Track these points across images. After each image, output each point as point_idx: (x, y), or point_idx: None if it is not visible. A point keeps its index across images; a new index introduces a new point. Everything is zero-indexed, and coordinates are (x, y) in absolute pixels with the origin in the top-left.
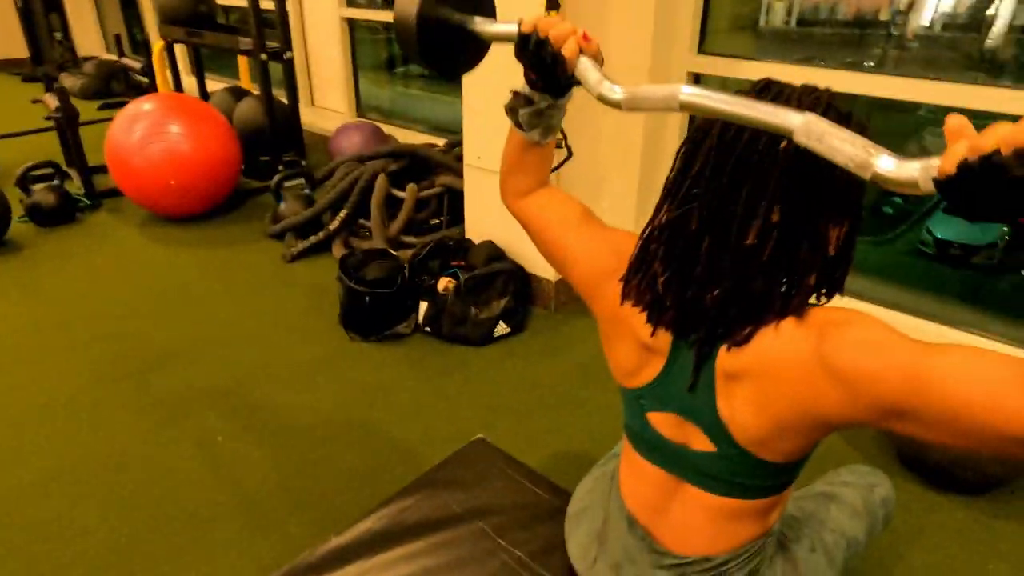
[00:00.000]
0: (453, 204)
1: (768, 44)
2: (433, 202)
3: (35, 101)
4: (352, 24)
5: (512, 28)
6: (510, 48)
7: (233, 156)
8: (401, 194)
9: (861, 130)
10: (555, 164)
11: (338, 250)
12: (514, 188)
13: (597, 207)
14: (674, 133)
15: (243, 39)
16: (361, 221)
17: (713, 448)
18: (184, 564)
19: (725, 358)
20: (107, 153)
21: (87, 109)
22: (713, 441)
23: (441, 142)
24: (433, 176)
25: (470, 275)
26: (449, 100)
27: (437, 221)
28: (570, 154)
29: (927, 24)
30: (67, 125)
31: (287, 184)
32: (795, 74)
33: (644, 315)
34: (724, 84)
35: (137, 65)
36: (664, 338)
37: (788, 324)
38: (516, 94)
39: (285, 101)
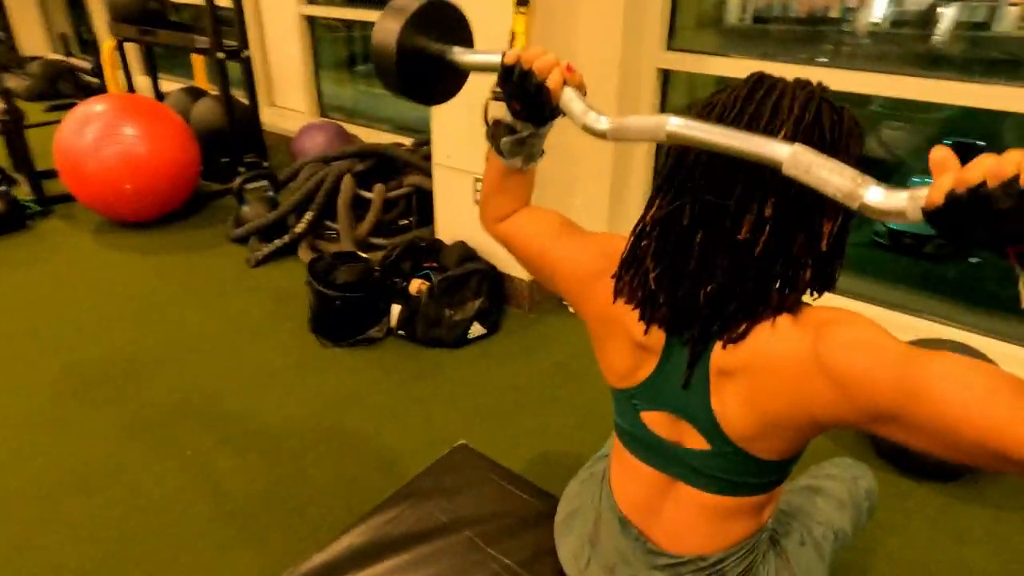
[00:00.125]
0: (422, 204)
1: (725, 40)
2: (401, 202)
3: None
4: (312, 21)
5: (494, 59)
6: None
7: (192, 158)
8: (368, 195)
9: (854, 126)
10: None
11: (304, 253)
12: (495, 213)
13: (570, 203)
14: None
15: (199, 37)
16: (328, 223)
17: (707, 446)
18: None
19: (720, 355)
20: (57, 157)
21: (33, 111)
22: (707, 439)
23: (408, 141)
24: (401, 176)
25: (443, 276)
26: None
27: (406, 222)
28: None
29: (877, 20)
30: (12, 128)
31: (249, 186)
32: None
33: (637, 313)
34: (691, 80)
35: (86, 65)
36: (657, 336)
37: (784, 321)
38: (497, 123)
39: (244, 101)
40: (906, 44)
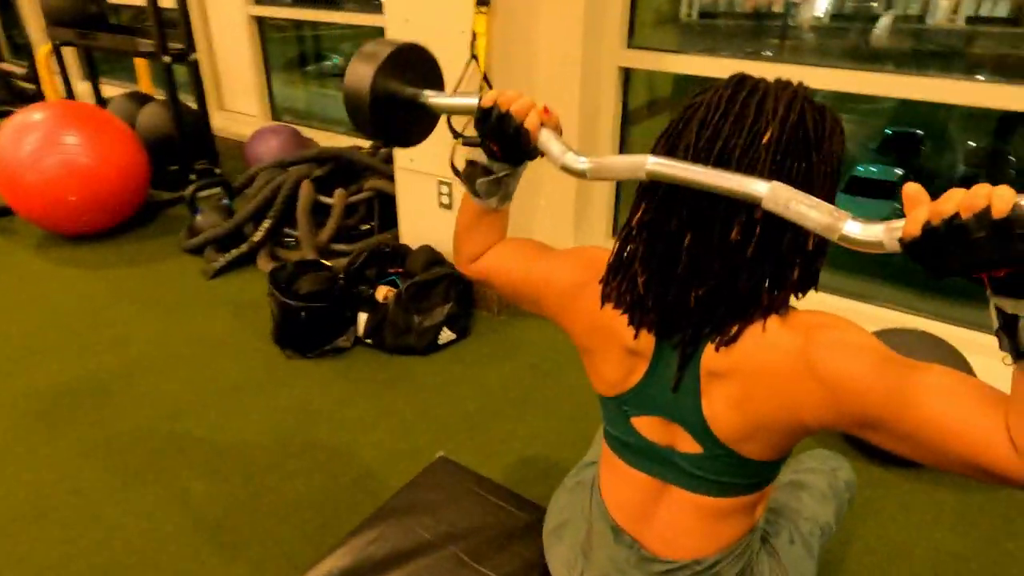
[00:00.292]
0: (384, 208)
1: (674, 37)
2: (362, 207)
3: None
4: (262, 22)
5: (469, 102)
6: (425, 45)
7: (139, 167)
8: (329, 200)
9: (835, 124)
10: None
11: (264, 263)
12: (470, 253)
13: (534, 206)
14: (608, 128)
15: (142, 40)
16: (287, 230)
17: (699, 449)
18: None
19: (710, 357)
20: None
21: None
22: (699, 442)
23: (366, 144)
24: (361, 180)
25: (411, 282)
26: None
27: (368, 227)
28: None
29: (819, 15)
30: None
31: (202, 194)
32: (729, 67)
33: (626, 318)
34: (651, 77)
35: (20, 71)
36: (647, 340)
37: (773, 324)
38: (473, 164)
39: (192, 106)
40: (846, 38)
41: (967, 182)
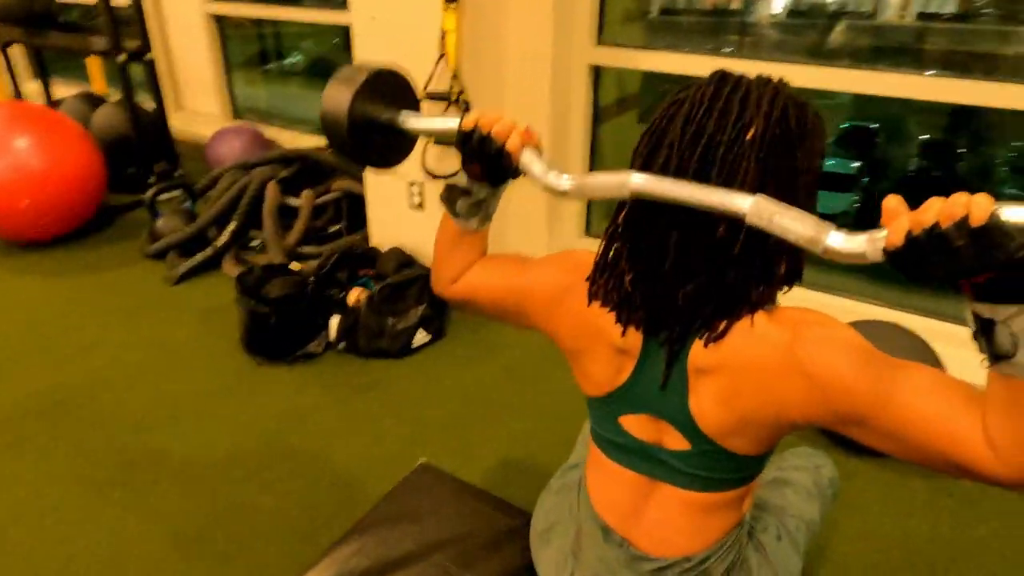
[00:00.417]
0: (353, 209)
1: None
2: (330, 208)
3: None
4: (221, 20)
5: (449, 125)
6: (393, 43)
7: (95, 169)
8: (295, 202)
9: (816, 119)
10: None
11: (230, 267)
12: (450, 275)
13: (504, 207)
14: (578, 126)
15: (95, 39)
16: (252, 233)
17: (688, 445)
18: None
19: (698, 354)
20: None
21: None
22: (687, 438)
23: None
24: (328, 181)
25: (383, 284)
26: None
27: (336, 228)
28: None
29: (776, 12)
30: None
31: (163, 197)
32: (699, 64)
33: (613, 316)
34: (620, 75)
35: None
36: (635, 338)
37: (761, 320)
38: (453, 186)
39: (149, 106)
40: (802, 33)
41: (921, 174)
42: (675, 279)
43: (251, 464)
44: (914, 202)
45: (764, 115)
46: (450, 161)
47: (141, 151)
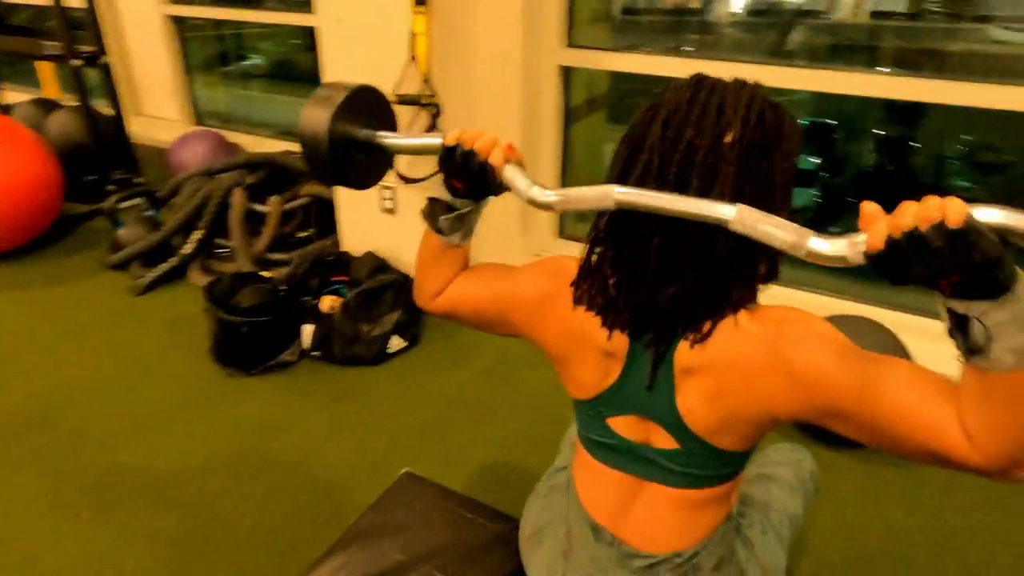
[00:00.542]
0: (321, 214)
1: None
2: (299, 214)
3: None
4: (180, 22)
5: (431, 142)
6: (362, 46)
7: (51, 178)
8: (263, 208)
9: (791, 121)
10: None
11: (196, 276)
12: (432, 289)
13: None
14: (550, 127)
15: (47, 43)
16: (219, 241)
17: (676, 444)
18: None
19: (684, 354)
20: None
21: None
22: (675, 437)
23: (297, 147)
24: (296, 186)
25: (358, 290)
26: (294, 100)
27: (306, 234)
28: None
29: (736, 11)
30: None
31: (124, 205)
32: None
33: (599, 320)
34: (589, 75)
35: None
36: (621, 341)
37: (744, 319)
38: (435, 201)
39: (106, 111)
40: (760, 32)
41: (878, 169)
42: (659, 282)
43: (227, 478)
44: (872, 197)
45: (741, 119)
46: (422, 166)
47: (98, 158)
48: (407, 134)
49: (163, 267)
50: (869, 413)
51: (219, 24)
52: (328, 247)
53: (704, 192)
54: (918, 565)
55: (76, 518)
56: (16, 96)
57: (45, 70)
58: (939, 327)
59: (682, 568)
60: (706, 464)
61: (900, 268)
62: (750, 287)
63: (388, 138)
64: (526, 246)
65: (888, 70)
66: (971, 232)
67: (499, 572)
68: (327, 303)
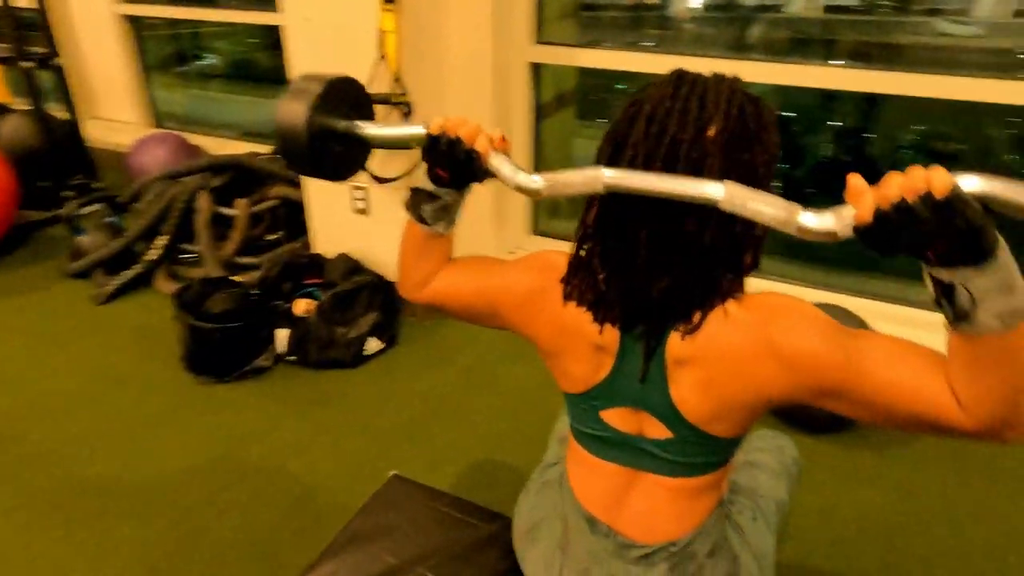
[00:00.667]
0: (290, 216)
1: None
2: (267, 216)
3: None
4: (136, 22)
5: (413, 131)
6: (330, 45)
7: (4, 185)
8: (230, 212)
9: (770, 114)
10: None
11: (163, 283)
12: (417, 280)
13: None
14: (521, 124)
15: None
16: (184, 247)
17: (670, 434)
18: None
19: (676, 345)
20: None
21: None
22: (669, 427)
23: (262, 148)
24: (263, 188)
25: (333, 292)
26: (254, 100)
27: (275, 237)
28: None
29: (694, 7)
30: None
31: (85, 211)
32: (639, 61)
33: (590, 314)
34: (558, 72)
35: None
36: (612, 334)
37: (733, 308)
38: (417, 191)
39: (61, 115)
40: (718, 26)
41: (835, 159)
42: (648, 275)
43: (206, 488)
44: (829, 187)
45: (723, 113)
46: (395, 165)
47: (53, 164)
48: (388, 124)
49: (127, 274)
50: (860, 390)
51: (174, 23)
52: (298, 249)
53: None
54: (895, 543)
55: (48, 535)
56: None
57: None
58: (907, 314)
59: (677, 556)
60: (699, 452)
61: (889, 240)
62: (738, 277)
63: (368, 128)
64: (499, 244)
65: (843, 63)
66: (956, 201)
67: (494, 571)
68: (302, 306)
